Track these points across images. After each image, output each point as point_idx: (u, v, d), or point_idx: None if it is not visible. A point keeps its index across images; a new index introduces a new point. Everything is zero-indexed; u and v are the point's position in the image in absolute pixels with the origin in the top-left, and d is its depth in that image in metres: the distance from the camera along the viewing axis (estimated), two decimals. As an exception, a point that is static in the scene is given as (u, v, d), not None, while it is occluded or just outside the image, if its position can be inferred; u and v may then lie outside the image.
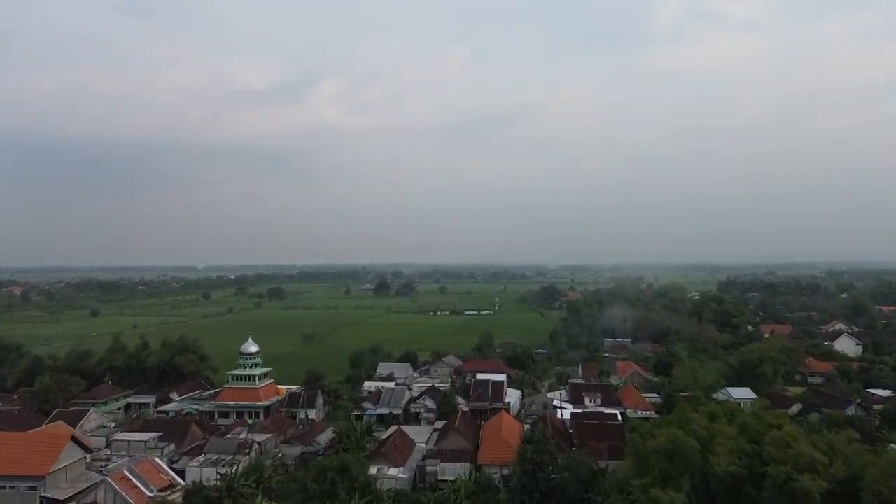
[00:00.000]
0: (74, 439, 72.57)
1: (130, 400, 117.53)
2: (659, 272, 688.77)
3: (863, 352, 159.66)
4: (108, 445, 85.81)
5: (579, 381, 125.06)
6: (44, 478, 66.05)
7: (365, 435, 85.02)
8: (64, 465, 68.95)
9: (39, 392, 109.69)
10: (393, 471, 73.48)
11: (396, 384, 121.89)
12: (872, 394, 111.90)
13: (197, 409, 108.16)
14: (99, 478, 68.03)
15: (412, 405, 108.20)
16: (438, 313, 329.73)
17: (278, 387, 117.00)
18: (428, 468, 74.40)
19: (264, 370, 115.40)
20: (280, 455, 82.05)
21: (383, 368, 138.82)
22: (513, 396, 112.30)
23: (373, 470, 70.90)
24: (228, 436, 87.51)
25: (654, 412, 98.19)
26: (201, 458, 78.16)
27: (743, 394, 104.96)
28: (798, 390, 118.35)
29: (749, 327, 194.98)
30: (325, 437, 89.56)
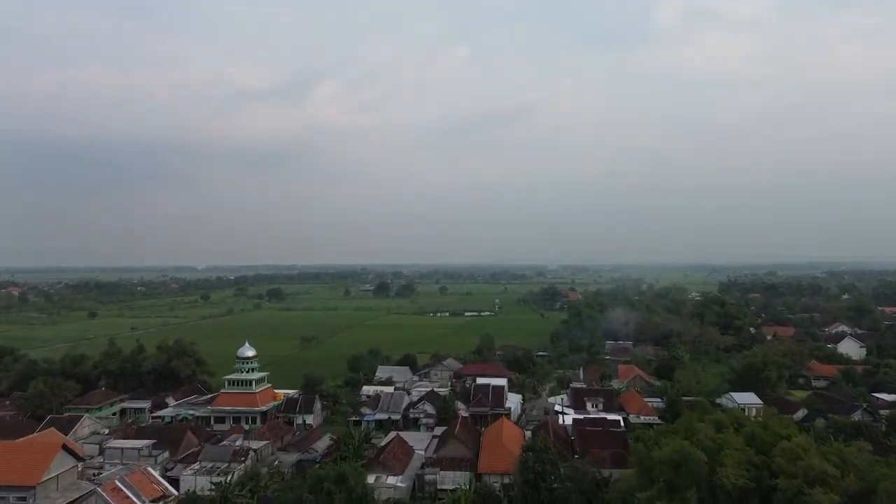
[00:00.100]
0: (66, 447, 71.21)
1: (125, 405, 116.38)
2: (659, 272, 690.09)
3: (867, 354, 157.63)
4: (101, 453, 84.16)
5: (581, 385, 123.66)
6: (34, 488, 64.80)
7: (363, 442, 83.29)
8: (55, 474, 67.78)
9: (33, 397, 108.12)
10: (391, 480, 72.03)
11: (395, 388, 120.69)
12: (878, 398, 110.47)
13: (193, 415, 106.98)
14: (90, 487, 66.50)
15: (411, 410, 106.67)
16: (438, 314, 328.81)
17: (276, 391, 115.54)
18: (427, 477, 72.72)
19: (261, 374, 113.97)
20: (276, 463, 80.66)
21: (382, 372, 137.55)
22: (513, 401, 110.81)
23: (371, 479, 69.33)
24: (224, 442, 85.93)
25: (657, 418, 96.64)
26: (196, 466, 76.66)
27: (748, 399, 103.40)
28: (802, 394, 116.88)
29: (751, 329, 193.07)
30: (323, 443, 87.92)
